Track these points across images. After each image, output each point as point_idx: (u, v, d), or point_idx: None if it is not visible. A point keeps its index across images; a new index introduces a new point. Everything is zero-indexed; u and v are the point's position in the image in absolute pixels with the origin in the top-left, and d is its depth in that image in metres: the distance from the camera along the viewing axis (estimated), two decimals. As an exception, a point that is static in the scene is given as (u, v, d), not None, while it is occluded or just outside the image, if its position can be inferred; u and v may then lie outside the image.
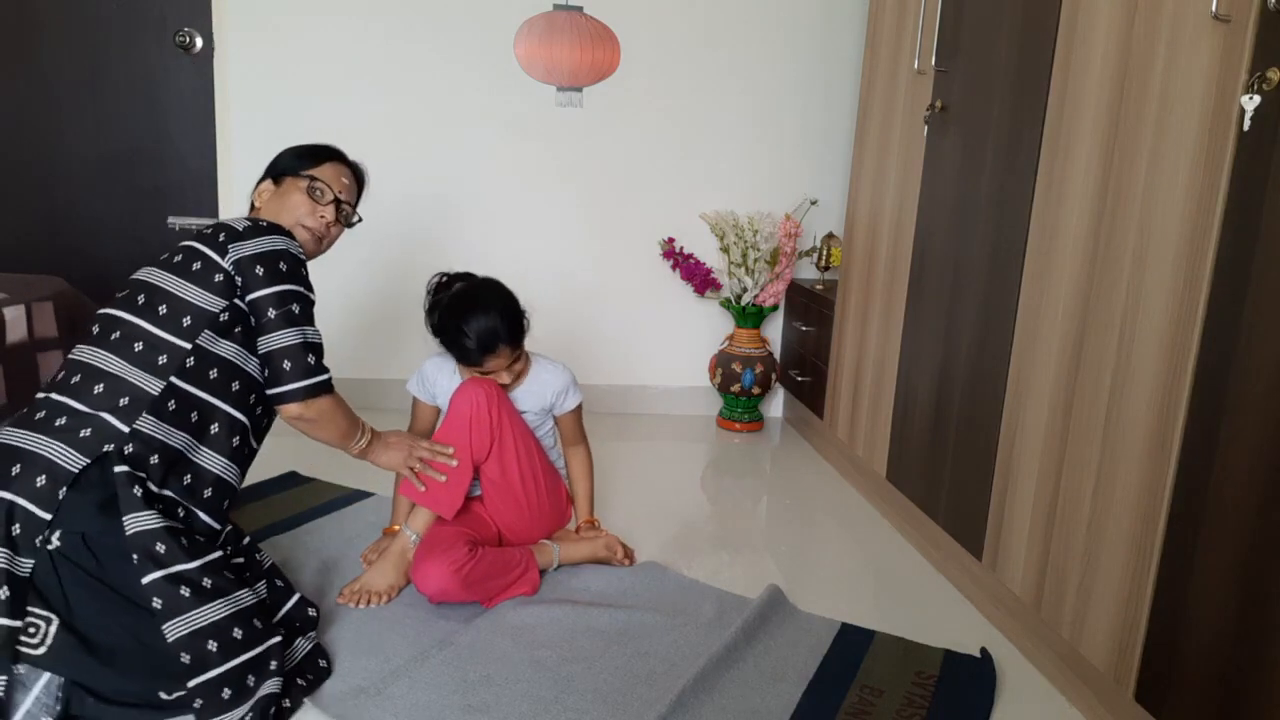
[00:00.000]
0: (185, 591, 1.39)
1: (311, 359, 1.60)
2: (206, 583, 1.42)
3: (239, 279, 1.57)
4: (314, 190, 1.76)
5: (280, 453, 2.65)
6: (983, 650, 1.74)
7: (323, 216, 1.77)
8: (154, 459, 1.45)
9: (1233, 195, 1.28)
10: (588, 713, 1.49)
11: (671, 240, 3.19)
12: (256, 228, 1.61)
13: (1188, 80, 1.37)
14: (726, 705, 1.53)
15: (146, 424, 1.45)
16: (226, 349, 1.55)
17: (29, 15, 2.89)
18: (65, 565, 1.37)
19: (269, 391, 1.59)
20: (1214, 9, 1.30)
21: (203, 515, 1.51)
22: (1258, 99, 1.23)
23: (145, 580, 1.37)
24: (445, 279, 1.97)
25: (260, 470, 2.47)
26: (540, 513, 1.96)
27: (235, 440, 1.57)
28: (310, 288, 1.65)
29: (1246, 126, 1.24)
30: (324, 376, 1.62)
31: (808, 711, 1.53)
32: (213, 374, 1.53)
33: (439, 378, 2.00)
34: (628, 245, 3.22)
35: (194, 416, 1.51)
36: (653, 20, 3.08)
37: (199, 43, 2.93)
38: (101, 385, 1.46)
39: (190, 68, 2.93)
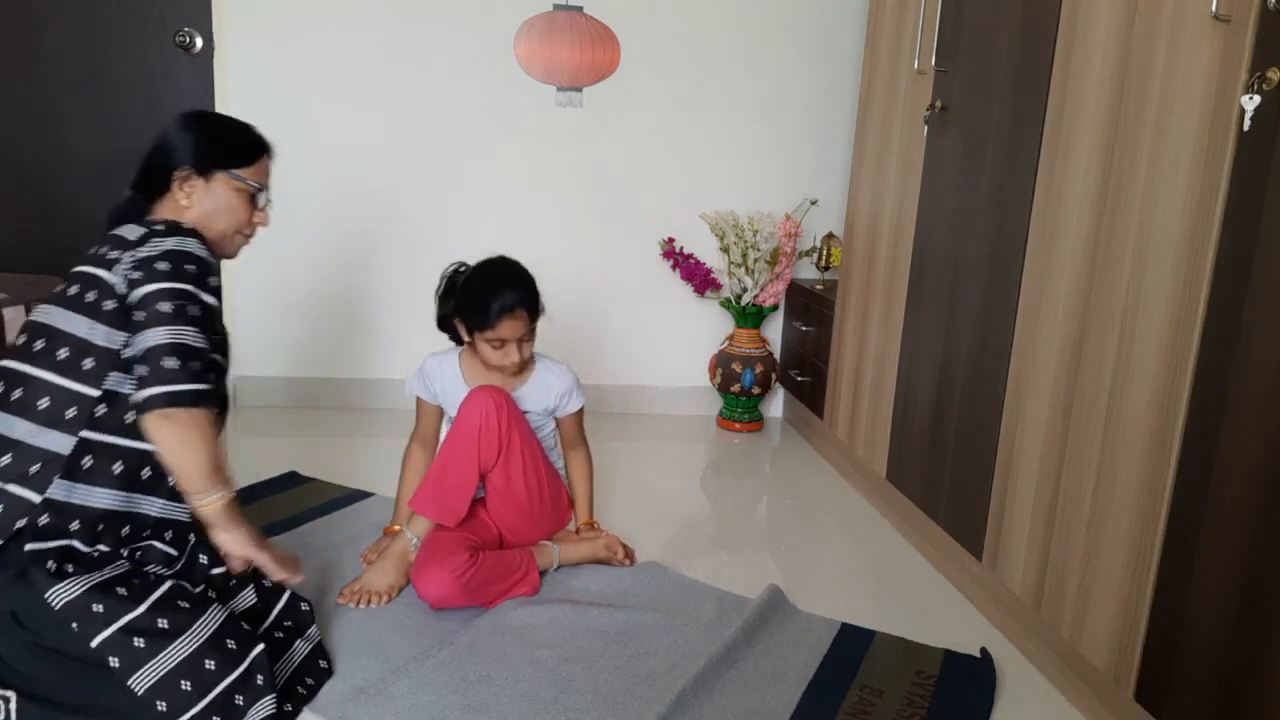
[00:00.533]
0: (140, 642, 1.33)
1: (174, 362, 1.37)
2: (161, 624, 1.35)
3: (129, 293, 1.41)
4: (257, 198, 1.62)
5: (280, 453, 2.65)
6: (983, 650, 1.74)
7: (259, 223, 1.64)
8: (74, 525, 1.36)
9: (1233, 195, 1.28)
10: (588, 713, 1.49)
11: (671, 240, 3.19)
12: (151, 233, 1.46)
13: (1188, 80, 1.37)
14: (726, 705, 1.53)
15: (59, 490, 1.36)
16: None
17: (29, 15, 2.88)
18: (3, 641, 1.32)
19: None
20: (1214, 9, 1.30)
21: (158, 545, 1.46)
22: (1258, 99, 1.23)
23: (95, 643, 1.31)
24: (463, 266, 1.99)
25: (260, 470, 2.48)
26: (542, 516, 1.96)
27: (172, 479, 1.45)
28: (205, 287, 1.45)
29: (1246, 126, 1.24)
30: (189, 386, 1.38)
31: (808, 711, 1.53)
32: (129, 417, 1.41)
33: (440, 376, 2.00)
34: (628, 246, 3.22)
35: (117, 468, 1.41)
36: (653, 20, 3.08)
37: (199, 43, 2.93)
38: (10, 456, 1.36)
39: (190, 68, 2.93)
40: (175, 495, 1.48)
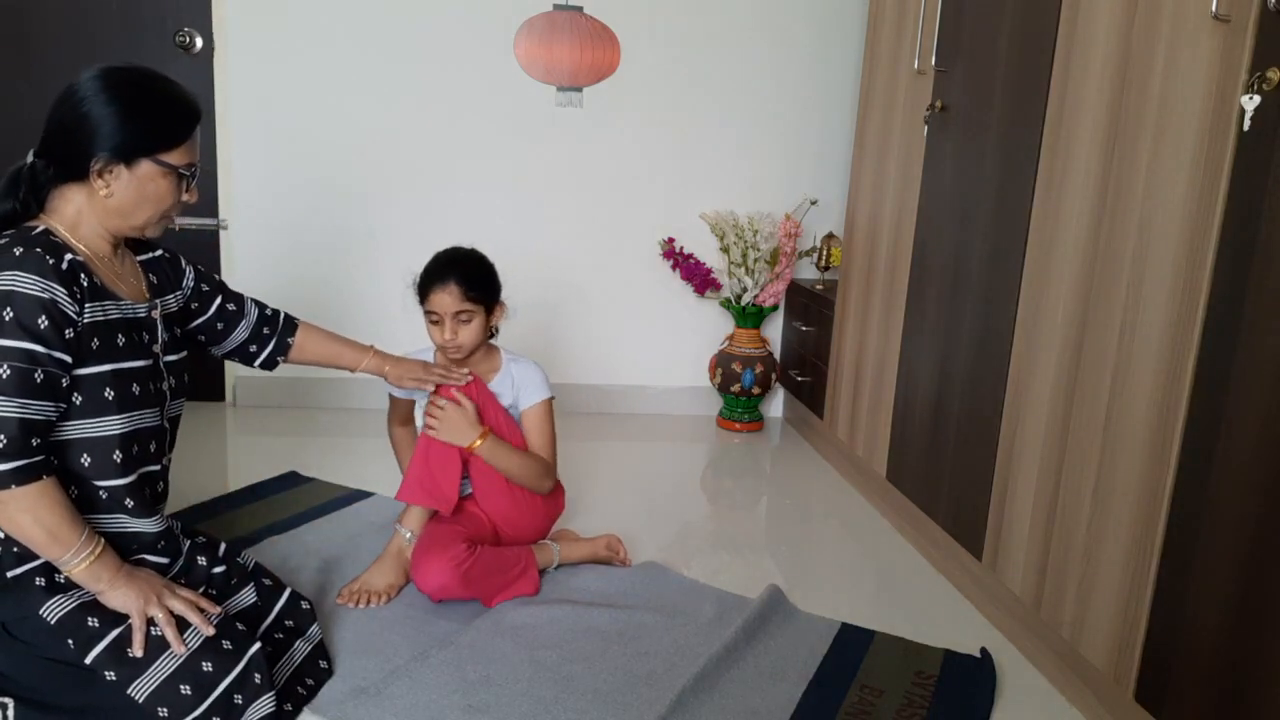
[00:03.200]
0: (132, 653, 1.33)
1: None
2: (156, 632, 1.35)
3: None
4: (185, 179, 1.44)
5: (280, 453, 2.65)
6: (983, 650, 1.74)
7: (188, 201, 1.47)
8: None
9: (1233, 195, 1.28)
10: (588, 713, 1.49)
11: (671, 240, 3.19)
12: None
13: (1188, 80, 1.37)
14: (726, 705, 1.53)
15: None
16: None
17: (29, 15, 2.89)
18: None
19: None
20: (1214, 9, 1.30)
21: (150, 558, 1.46)
22: (1258, 99, 1.23)
23: (89, 660, 1.31)
24: None
25: (260, 470, 2.48)
26: (531, 500, 1.94)
27: (130, 502, 1.42)
28: (20, 334, 1.26)
29: (1246, 126, 1.24)
30: None
31: (808, 711, 1.53)
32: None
33: None
34: (628, 245, 3.22)
35: (73, 492, 1.37)
36: (653, 20, 3.08)
37: (199, 43, 2.93)
38: None
39: (190, 68, 2.93)
40: (144, 511, 1.44)
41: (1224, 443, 1.28)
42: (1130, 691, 1.45)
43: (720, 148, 3.19)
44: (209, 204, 3.01)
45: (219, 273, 3.06)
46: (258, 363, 1.80)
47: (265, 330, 1.78)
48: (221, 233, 3.05)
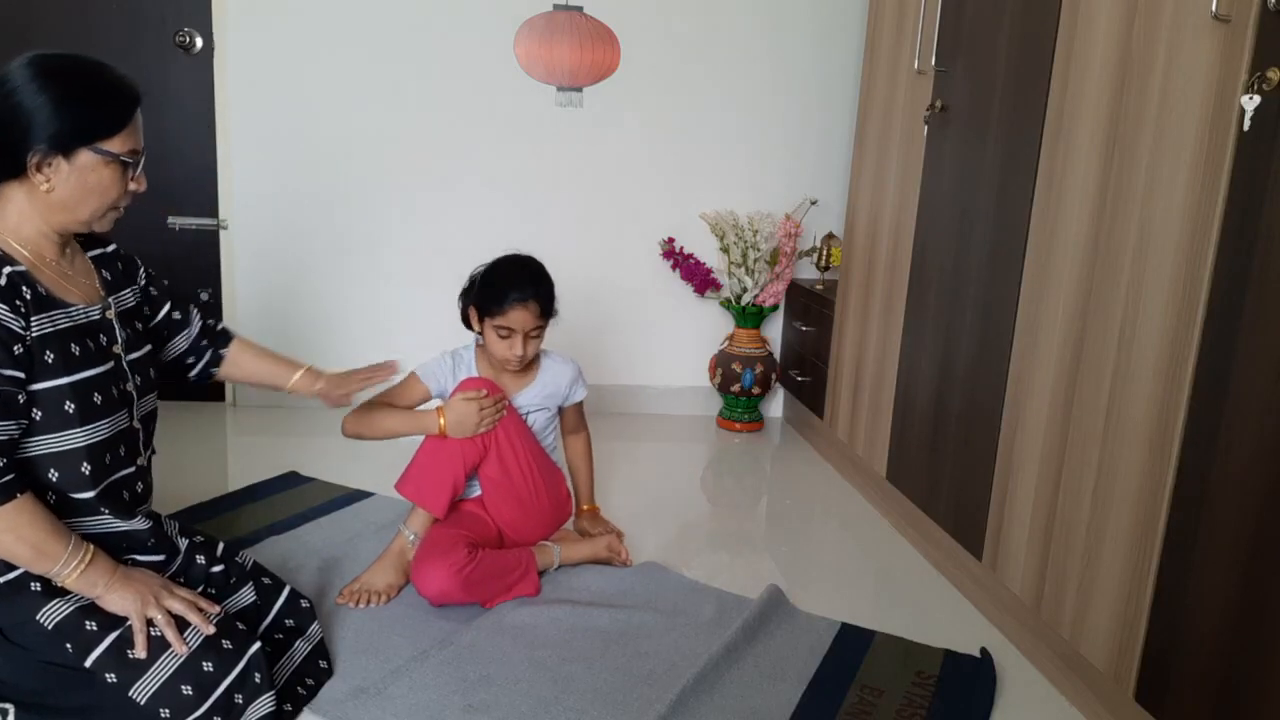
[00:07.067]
0: (134, 654, 1.33)
1: None
2: (155, 633, 1.35)
3: None
4: (129, 166, 1.38)
5: (280, 453, 2.65)
6: (983, 650, 1.74)
7: (135, 190, 1.41)
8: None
9: (1233, 195, 1.28)
10: (587, 712, 1.49)
11: (671, 240, 3.19)
12: None
13: (1188, 80, 1.37)
14: (726, 705, 1.53)
15: None
16: None
17: (29, 15, 2.88)
18: None
19: None
20: (1214, 9, 1.30)
21: (140, 558, 1.46)
22: (1258, 99, 1.23)
23: (89, 663, 1.31)
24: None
25: (260, 470, 2.48)
26: (540, 509, 1.96)
27: (106, 512, 1.41)
28: None
29: (1246, 126, 1.25)
30: None
31: (808, 711, 1.53)
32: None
33: (446, 378, 1.99)
34: (628, 245, 3.22)
35: (50, 499, 1.36)
36: (653, 20, 3.08)
37: (199, 43, 2.93)
38: None
39: (190, 68, 2.93)
40: (124, 514, 1.43)
41: (1224, 443, 1.28)
42: (1130, 691, 1.45)
43: (720, 148, 3.19)
44: (209, 204, 3.01)
45: (219, 273, 3.06)
46: (192, 374, 1.73)
47: (203, 343, 1.71)
48: (221, 233, 3.04)
